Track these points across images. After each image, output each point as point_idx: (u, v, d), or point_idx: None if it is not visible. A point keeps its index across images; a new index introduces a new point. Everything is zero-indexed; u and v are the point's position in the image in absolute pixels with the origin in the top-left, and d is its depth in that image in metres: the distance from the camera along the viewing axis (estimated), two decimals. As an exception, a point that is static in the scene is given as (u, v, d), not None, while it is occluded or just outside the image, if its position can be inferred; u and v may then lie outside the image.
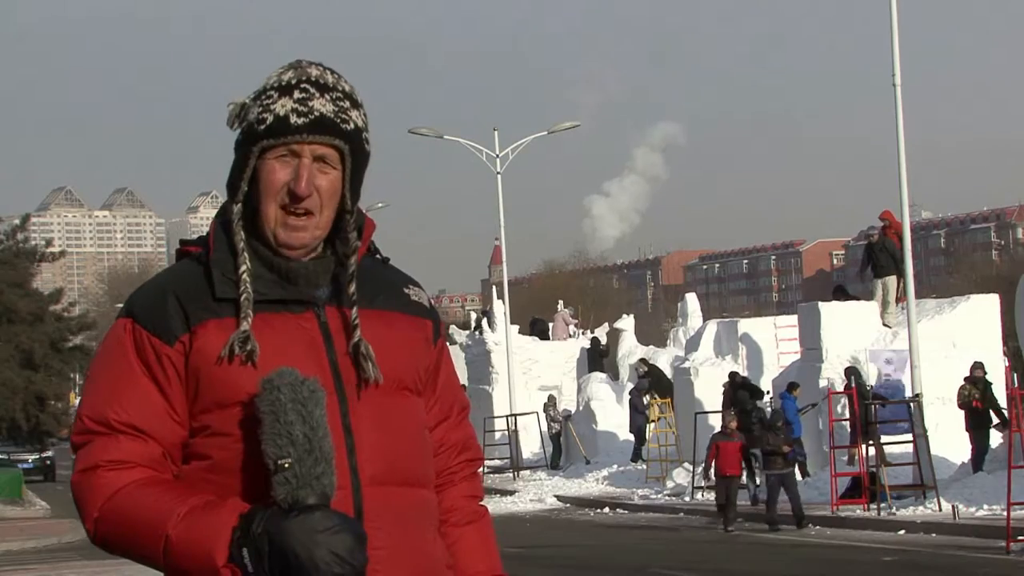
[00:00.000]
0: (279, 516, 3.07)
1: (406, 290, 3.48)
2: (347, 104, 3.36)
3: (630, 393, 39.90)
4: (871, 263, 32.71)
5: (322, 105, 3.33)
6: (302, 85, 3.34)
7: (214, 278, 3.31)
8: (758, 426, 30.92)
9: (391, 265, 3.52)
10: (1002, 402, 28.45)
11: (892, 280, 32.16)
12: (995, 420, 28.35)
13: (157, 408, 3.27)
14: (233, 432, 3.23)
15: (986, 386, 28.68)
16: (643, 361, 42.21)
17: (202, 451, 3.27)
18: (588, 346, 48.18)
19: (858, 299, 34.08)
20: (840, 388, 29.98)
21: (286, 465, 3.08)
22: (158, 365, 3.28)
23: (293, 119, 3.30)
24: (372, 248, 3.46)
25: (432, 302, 3.55)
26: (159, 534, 3.14)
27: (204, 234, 3.44)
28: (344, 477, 3.18)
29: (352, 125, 3.35)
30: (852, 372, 29.72)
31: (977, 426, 28.46)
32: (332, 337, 3.32)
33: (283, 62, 3.40)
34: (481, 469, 3.73)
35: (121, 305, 3.48)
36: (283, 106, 3.31)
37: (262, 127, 3.31)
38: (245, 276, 3.29)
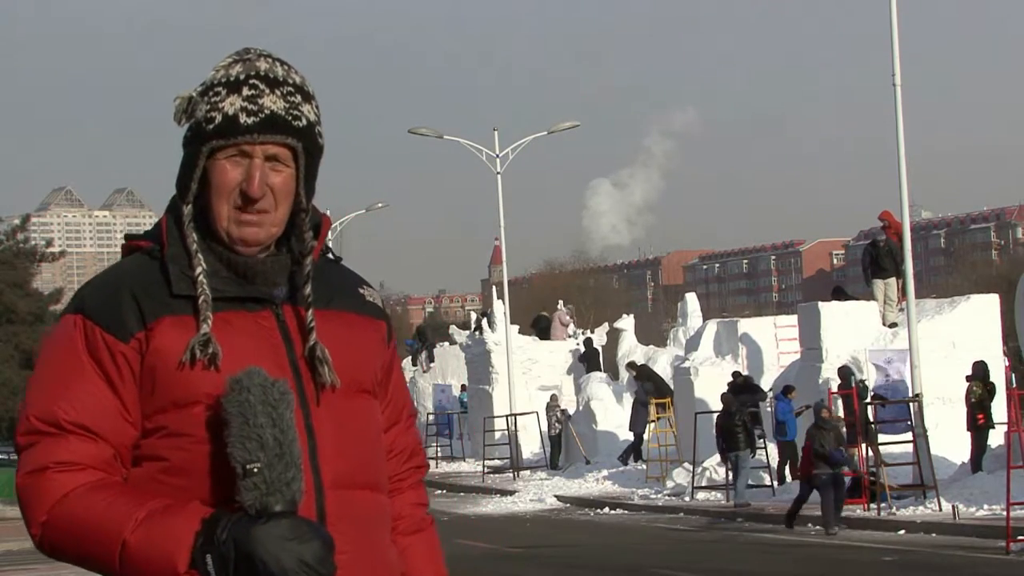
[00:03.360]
0: (246, 522, 2.98)
1: (361, 291, 3.42)
2: (298, 98, 3.24)
3: (633, 406, 39.84)
4: (873, 264, 32.66)
5: (272, 102, 3.21)
6: (251, 81, 3.22)
7: (171, 274, 3.20)
8: (742, 430, 30.94)
9: (344, 265, 3.44)
10: (1002, 402, 28.43)
11: (893, 281, 32.16)
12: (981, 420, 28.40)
13: (109, 408, 3.14)
14: (192, 433, 3.12)
15: (987, 387, 28.69)
16: (632, 365, 42.15)
17: (157, 452, 3.15)
18: (582, 347, 48.18)
19: (857, 299, 34.09)
20: (836, 388, 29.95)
21: (255, 470, 3.00)
22: (111, 363, 3.15)
23: (243, 119, 3.19)
24: (325, 248, 3.37)
25: (384, 303, 3.47)
26: (115, 539, 3.03)
27: (150, 228, 3.34)
28: (307, 481, 3.10)
29: (304, 121, 3.24)
30: (847, 372, 29.69)
31: (977, 426, 28.46)
32: (291, 337, 3.25)
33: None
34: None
35: None
36: (232, 104, 3.20)
37: (211, 127, 3.20)
38: (202, 277, 3.18)
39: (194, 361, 3.13)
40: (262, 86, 3.22)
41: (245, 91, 3.21)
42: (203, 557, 2.98)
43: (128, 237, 3.35)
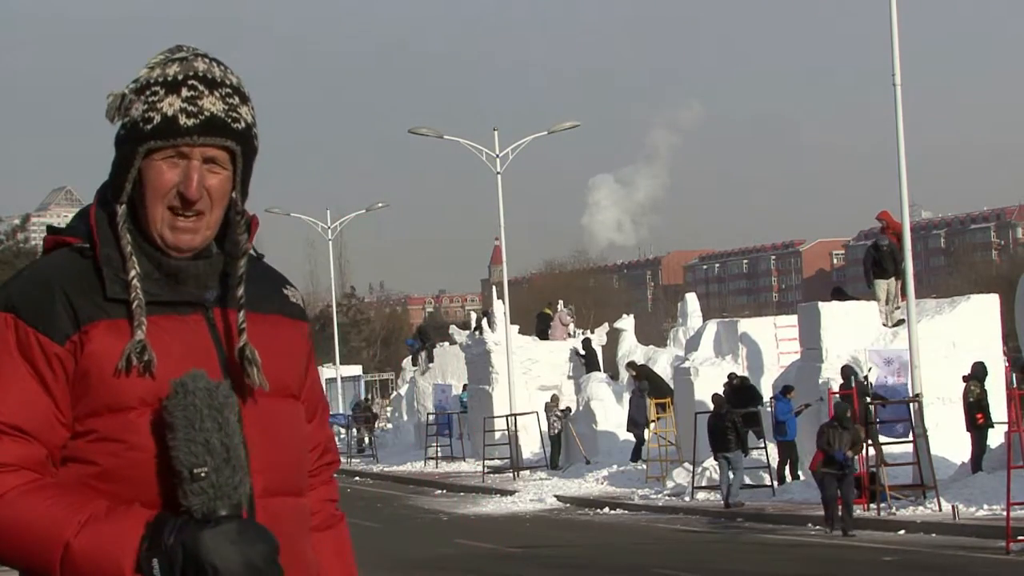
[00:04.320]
0: (193, 526, 2.96)
1: (285, 291, 3.39)
2: (236, 100, 3.20)
3: (630, 403, 39.86)
4: (875, 266, 32.55)
5: (212, 104, 3.16)
6: (190, 82, 3.16)
7: (105, 276, 3.15)
8: (732, 431, 30.91)
9: (267, 264, 3.41)
10: (1001, 402, 28.43)
11: (893, 282, 32.16)
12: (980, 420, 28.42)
13: (42, 409, 3.08)
14: (124, 439, 3.08)
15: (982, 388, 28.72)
16: (631, 365, 42.15)
17: (86, 456, 3.10)
18: (580, 348, 48.18)
19: (857, 300, 34.08)
20: (837, 388, 29.93)
21: (202, 474, 2.98)
22: (45, 364, 3.09)
23: (182, 120, 3.14)
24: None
25: (304, 301, 3.47)
26: (55, 543, 2.98)
27: (72, 223, 3.27)
28: None
29: (243, 123, 3.20)
30: (849, 371, 29.70)
31: (977, 426, 28.47)
32: (221, 340, 3.22)
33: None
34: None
35: None
36: (171, 105, 3.14)
37: (148, 127, 3.15)
38: (136, 281, 3.14)
39: (129, 368, 3.09)
40: (201, 87, 3.17)
41: (184, 92, 3.16)
42: (149, 561, 2.96)
43: (51, 230, 3.27)
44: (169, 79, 3.17)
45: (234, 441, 3.02)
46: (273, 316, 3.32)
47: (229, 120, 3.18)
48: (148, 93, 3.17)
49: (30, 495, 3.02)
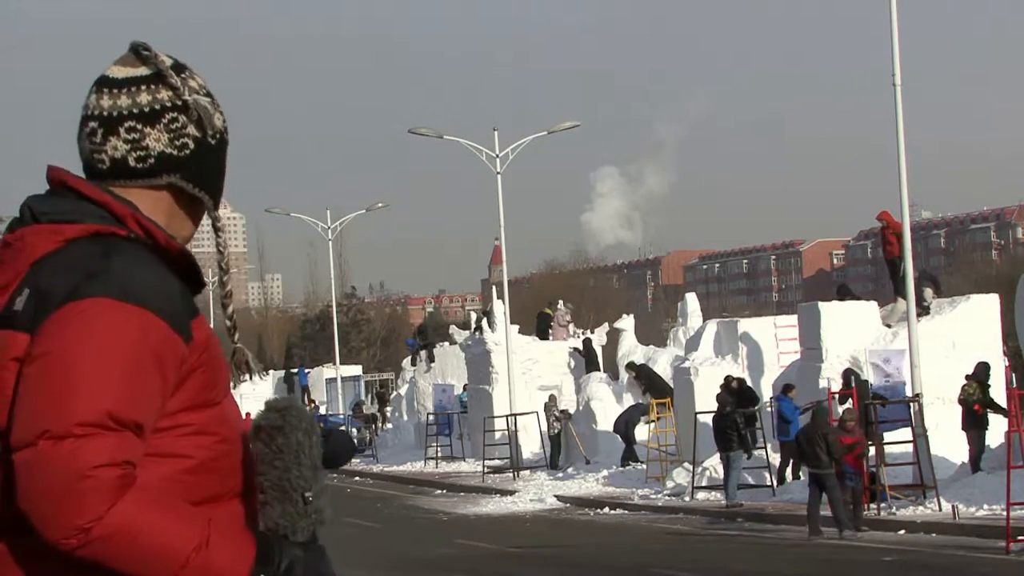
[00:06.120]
0: (297, 548, 3.08)
1: None
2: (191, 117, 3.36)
3: (630, 408, 39.82)
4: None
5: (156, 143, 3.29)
6: (206, 90, 3.30)
7: (197, 267, 3.21)
8: (734, 431, 30.88)
9: None
10: (1002, 402, 28.44)
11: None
12: (992, 417, 28.43)
13: (156, 408, 3.03)
14: (217, 431, 3.11)
15: (985, 388, 28.71)
16: (631, 365, 42.12)
17: (179, 451, 3.05)
18: (580, 347, 48.18)
19: (860, 299, 34.08)
20: (838, 389, 29.92)
21: (310, 498, 3.08)
22: (172, 363, 3.04)
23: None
24: None
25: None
26: (176, 559, 2.93)
27: (79, 210, 3.13)
28: None
29: (184, 153, 3.32)
30: (850, 374, 29.69)
31: (974, 426, 28.48)
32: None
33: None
34: None
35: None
36: (221, 117, 3.31)
37: (228, 135, 3.31)
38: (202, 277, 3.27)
39: (240, 368, 3.28)
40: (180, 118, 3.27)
41: (213, 101, 3.31)
42: None
43: (55, 220, 3.13)
44: (204, 88, 3.30)
45: (322, 468, 3.15)
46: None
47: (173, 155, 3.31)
48: (213, 101, 3.29)
49: (154, 504, 2.93)
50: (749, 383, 34.91)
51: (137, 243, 3.10)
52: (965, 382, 28.81)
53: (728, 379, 33.83)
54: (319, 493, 3.09)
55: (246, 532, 3.05)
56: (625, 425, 38.83)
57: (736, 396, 32.73)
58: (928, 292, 32.71)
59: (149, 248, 3.11)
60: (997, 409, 28.42)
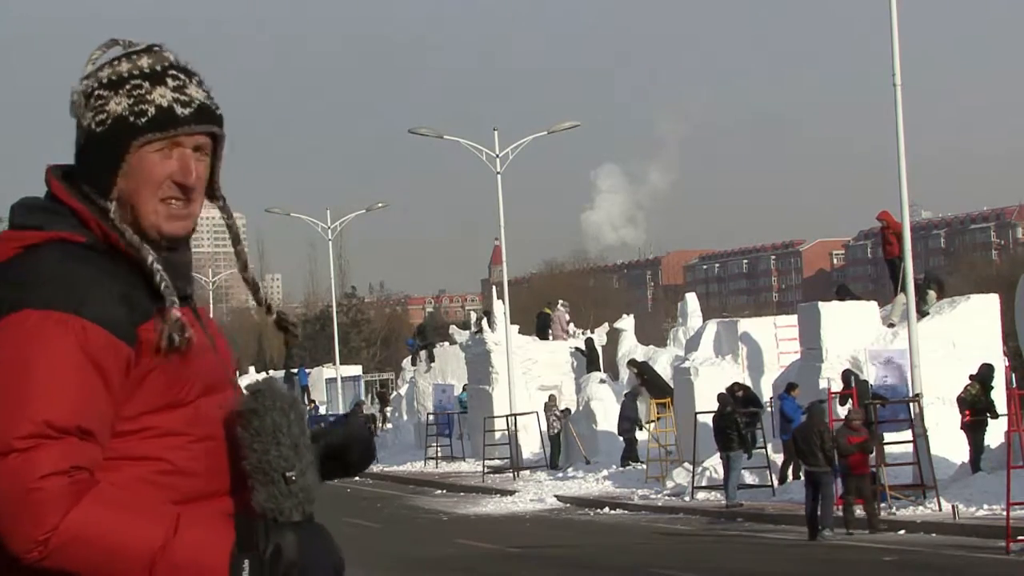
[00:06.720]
0: (284, 528, 3.01)
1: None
2: (208, 86, 3.21)
3: (625, 396, 39.86)
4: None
5: (197, 92, 3.16)
6: (170, 72, 3.15)
7: (154, 274, 3.08)
8: (735, 431, 30.87)
9: None
10: (1001, 402, 28.43)
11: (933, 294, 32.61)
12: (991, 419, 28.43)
13: (105, 411, 3.00)
14: (189, 431, 3.07)
15: (987, 390, 28.71)
16: (633, 363, 42.12)
17: (145, 454, 3.03)
18: (582, 347, 48.19)
19: (860, 299, 34.07)
20: (838, 389, 29.92)
21: (294, 478, 3.04)
22: (114, 366, 3.01)
23: (178, 110, 3.12)
24: None
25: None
26: (144, 554, 2.91)
27: (39, 218, 3.10)
28: None
29: (220, 110, 3.21)
30: (850, 374, 29.68)
31: (971, 427, 28.48)
32: (209, 334, 3.24)
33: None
34: None
35: None
36: (162, 96, 3.12)
37: (143, 120, 3.10)
38: (156, 265, 3.09)
39: (171, 347, 3.04)
40: (182, 76, 3.16)
41: (170, 82, 3.14)
42: (240, 562, 2.97)
43: (22, 226, 3.10)
44: (147, 71, 3.13)
45: (309, 445, 3.09)
46: (201, 308, 3.33)
47: (213, 107, 3.19)
48: (129, 87, 3.12)
49: (113, 506, 2.93)
50: (749, 383, 34.91)
51: (93, 250, 3.07)
52: (968, 382, 28.79)
53: (733, 387, 33.68)
54: (303, 471, 3.04)
55: (226, 521, 3.01)
56: (628, 421, 38.83)
57: (741, 405, 32.60)
58: (931, 295, 32.72)
59: (108, 255, 3.08)
60: (994, 414, 28.36)
